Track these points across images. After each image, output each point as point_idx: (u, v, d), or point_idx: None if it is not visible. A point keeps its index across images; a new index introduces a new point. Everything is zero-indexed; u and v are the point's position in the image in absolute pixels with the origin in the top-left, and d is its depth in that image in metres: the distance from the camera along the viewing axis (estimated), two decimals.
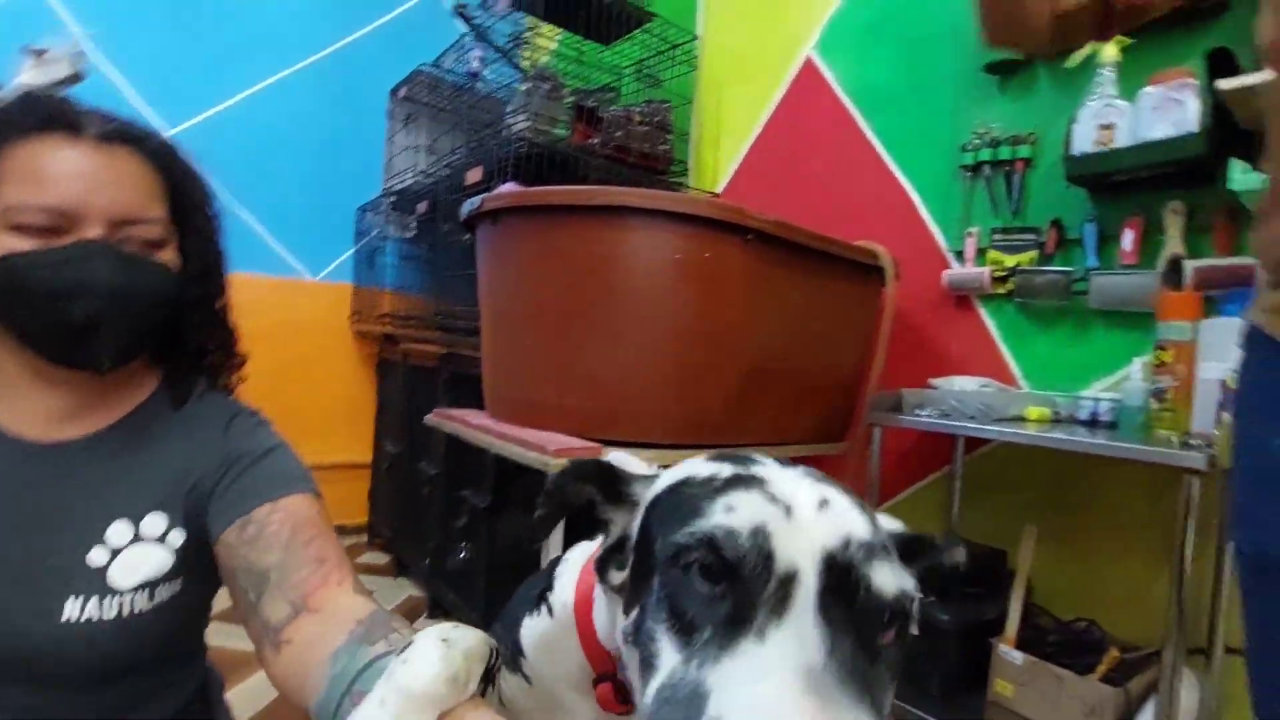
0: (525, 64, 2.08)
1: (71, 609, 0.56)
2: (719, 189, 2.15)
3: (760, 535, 0.30)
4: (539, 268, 1.12)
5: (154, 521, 0.61)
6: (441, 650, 0.41)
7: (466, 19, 1.96)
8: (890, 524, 0.38)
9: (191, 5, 2.41)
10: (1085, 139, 1.30)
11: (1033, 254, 1.47)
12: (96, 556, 0.58)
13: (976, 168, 1.56)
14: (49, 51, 0.61)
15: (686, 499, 0.34)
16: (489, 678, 0.45)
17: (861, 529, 0.32)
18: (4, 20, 2.03)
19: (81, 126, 0.57)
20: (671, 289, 1.08)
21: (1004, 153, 1.52)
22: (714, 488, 0.34)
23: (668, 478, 0.39)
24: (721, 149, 2.15)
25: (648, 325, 1.08)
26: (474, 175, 1.76)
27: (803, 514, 0.32)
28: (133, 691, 0.61)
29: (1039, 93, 1.49)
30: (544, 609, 0.48)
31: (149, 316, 0.61)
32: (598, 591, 0.44)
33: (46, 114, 0.57)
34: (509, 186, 1.19)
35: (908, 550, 0.36)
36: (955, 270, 1.58)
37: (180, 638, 0.65)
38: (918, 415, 1.25)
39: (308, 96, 2.64)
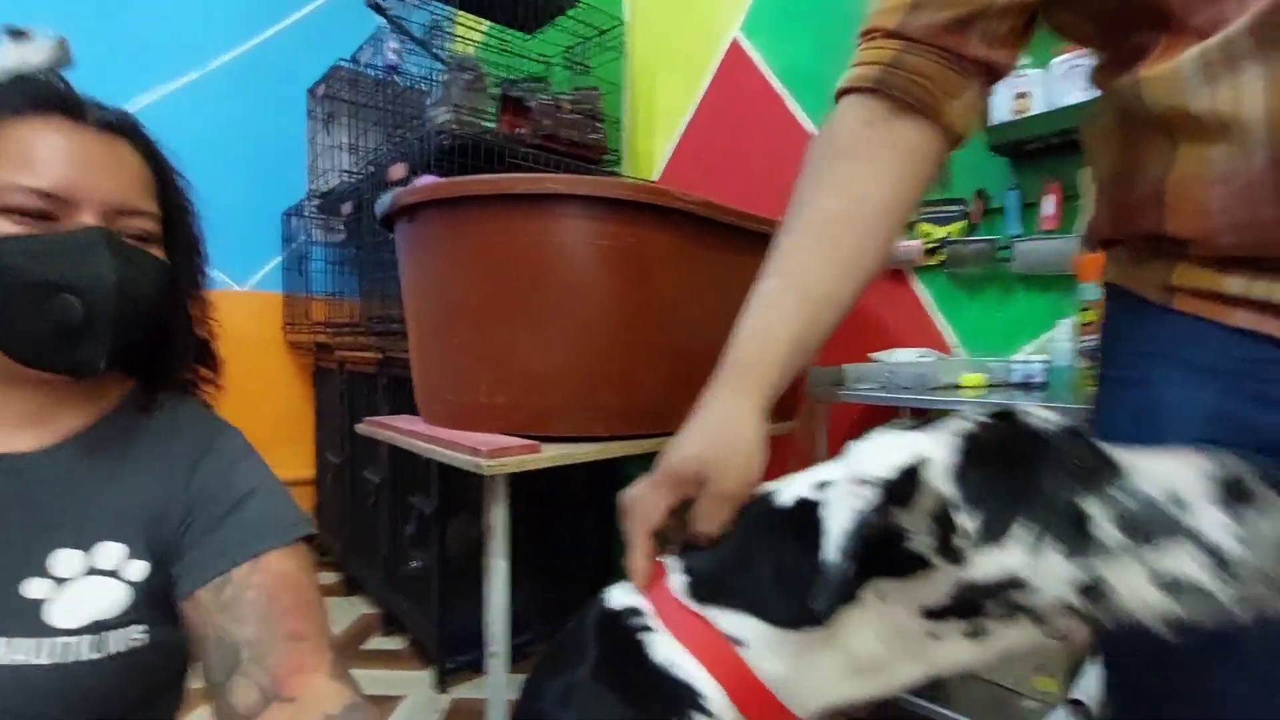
0: (446, 55, 2.01)
1: (1, 650, 0.48)
2: (655, 176, 2.13)
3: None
4: (461, 263, 1.08)
5: (109, 550, 0.54)
6: None
7: (381, 10, 1.88)
8: None
9: (91, 3, 2.26)
10: (1003, 108, 1.33)
11: (960, 224, 1.49)
12: (33, 589, 0.50)
13: None
14: (30, 32, 0.56)
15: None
16: None
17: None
18: None
19: (83, 112, 0.54)
20: (600, 277, 1.05)
21: None
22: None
23: None
24: (656, 135, 2.12)
25: (578, 315, 1.05)
26: (397, 171, 1.69)
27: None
28: None
29: None
30: (693, 713, 0.39)
31: (146, 317, 0.55)
32: (770, 658, 0.40)
33: (44, 95, 0.53)
34: (426, 179, 1.14)
35: None
36: None
37: (147, 711, 0.56)
38: (858, 389, 1.26)
39: (223, 98, 2.51)
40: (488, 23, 2.12)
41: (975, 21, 0.51)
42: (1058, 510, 0.37)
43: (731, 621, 0.41)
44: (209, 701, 0.54)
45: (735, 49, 1.92)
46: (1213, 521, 0.35)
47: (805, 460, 1.31)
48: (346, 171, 2.24)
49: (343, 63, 2.30)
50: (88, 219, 0.52)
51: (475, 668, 1.80)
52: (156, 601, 0.55)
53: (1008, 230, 1.41)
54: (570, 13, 2.05)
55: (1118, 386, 0.53)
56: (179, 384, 0.64)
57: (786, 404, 1.49)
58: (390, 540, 2.02)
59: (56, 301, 0.50)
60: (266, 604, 0.54)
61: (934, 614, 0.39)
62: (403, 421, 1.24)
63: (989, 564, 0.37)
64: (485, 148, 1.67)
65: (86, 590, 0.52)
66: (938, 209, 1.52)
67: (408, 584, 1.93)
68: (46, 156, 0.51)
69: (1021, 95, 1.30)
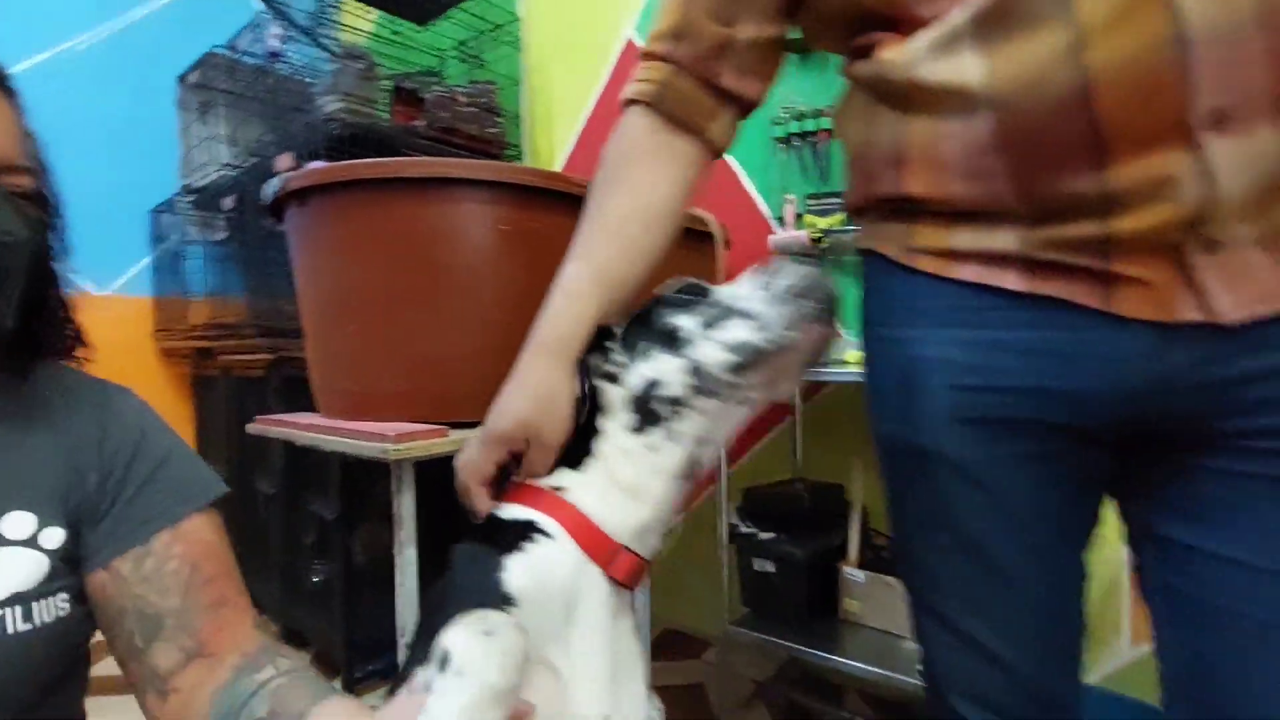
0: (332, 44, 1.94)
1: None
2: (557, 169, 2.15)
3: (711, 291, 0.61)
4: (357, 249, 1.05)
5: (16, 520, 0.51)
6: (490, 642, 0.40)
7: None
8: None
9: None
10: None
11: (840, 216, 1.62)
12: None
13: (788, 140, 1.69)
14: None
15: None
16: None
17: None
18: None
19: None
20: (502, 262, 1.06)
21: (809, 125, 1.66)
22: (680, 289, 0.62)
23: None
24: (555, 130, 2.14)
25: (481, 300, 1.06)
26: (284, 162, 1.62)
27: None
28: None
29: (832, 69, 1.63)
30: (537, 539, 0.54)
31: (34, 275, 0.52)
32: (593, 495, 0.56)
33: None
34: (312, 166, 1.10)
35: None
36: (779, 234, 1.70)
37: (61, 692, 0.55)
38: None
39: (81, 83, 2.28)
40: (377, 12, 2.06)
41: (725, 54, 0.62)
42: (659, 330, 0.58)
43: (551, 479, 0.58)
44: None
45: (631, 48, 1.97)
46: (752, 298, 0.55)
47: None
48: (226, 164, 2.10)
49: (218, 49, 2.16)
50: None
51: (385, 675, 1.75)
52: (75, 570, 0.54)
53: None
54: (464, 6, 2.04)
55: (881, 344, 0.61)
56: (54, 351, 0.60)
57: None
58: (287, 553, 1.91)
59: None
60: (189, 574, 0.55)
61: (638, 429, 0.57)
62: (299, 418, 1.19)
63: (634, 377, 0.58)
64: (378, 139, 1.63)
65: (4, 561, 0.50)
66: (821, 202, 1.64)
67: (310, 598, 1.84)
68: None
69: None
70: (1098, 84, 0.44)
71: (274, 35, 1.86)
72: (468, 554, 0.55)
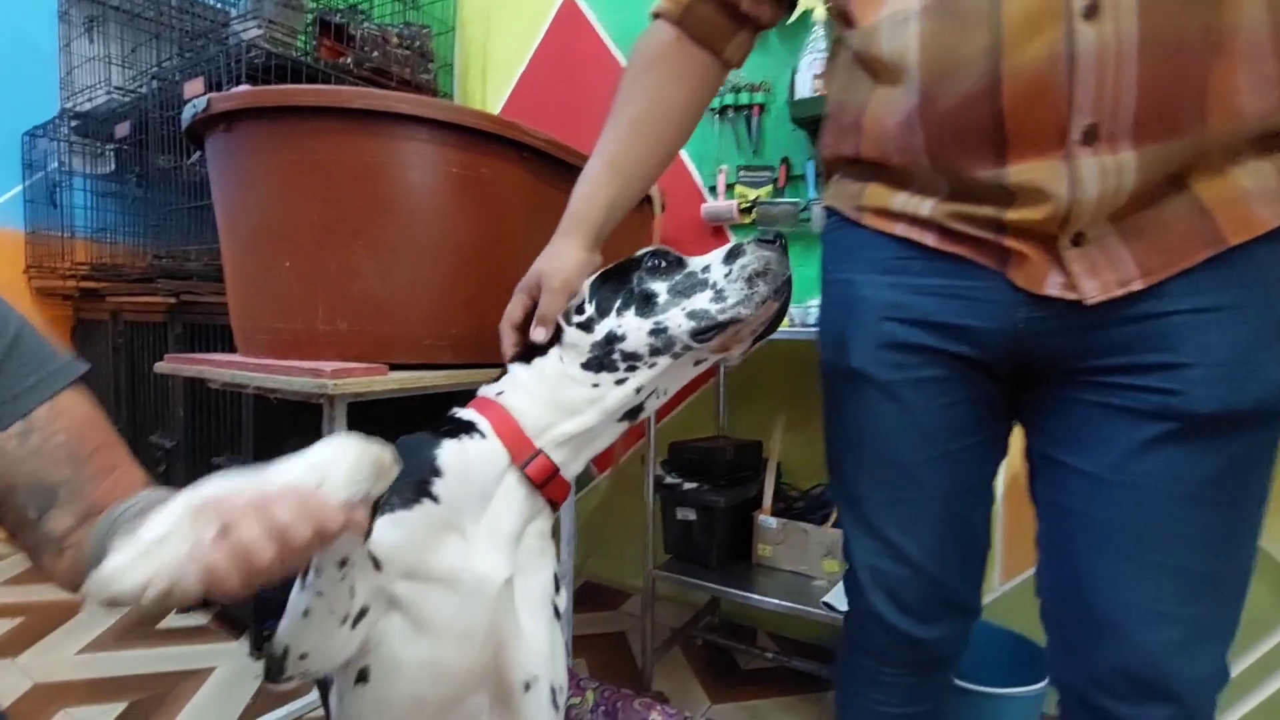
0: None
1: None
2: None
3: (672, 250, 0.68)
4: (293, 180, 1.01)
5: None
6: (359, 439, 0.47)
7: None
8: None
9: None
10: (805, 86, 1.53)
11: (769, 188, 1.70)
12: None
13: (723, 111, 1.74)
14: None
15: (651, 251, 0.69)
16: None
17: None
18: None
19: None
20: (450, 205, 1.05)
21: (744, 98, 1.72)
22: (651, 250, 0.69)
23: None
24: (488, 83, 2.09)
25: (427, 242, 1.04)
26: (193, 88, 1.50)
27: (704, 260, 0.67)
28: None
29: (770, 46, 1.70)
30: (473, 435, 0.64)
31: None
32: (520, 399, 0.67)
33: None
34: (242, 89, 1.04)
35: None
36: (710, 203, 1.76)
37: None
38: None
39: None
40: None
41: None
42: (635, 292, 0.66)
43: (495, 386, 0.70)
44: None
45: (568, 4, 1.95)
46: (718, 271, 0.63)
47: None
48: (118, 89, 1.91)
49: None
50: None
51: None
52: None
53: (808, 194, 1.63)
54: None
55: (831, 285, 0.73)
56: None
57: None
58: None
59: None
60: (76, 443, 0.58)
61: (586, 366, 0.65)
62: (218, 357, 1.13)
63: (601, 329, 0.65)
64: (305, 73, 1.54)
65: None
66: (752, 173, 1.71)
67: None
68: None
69: (820, 75, 1.51)
70: (1004, 86, 0.52)
71: None
72: (418, 438, 0.64)
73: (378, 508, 0.58)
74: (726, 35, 0.73)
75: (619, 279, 0.68)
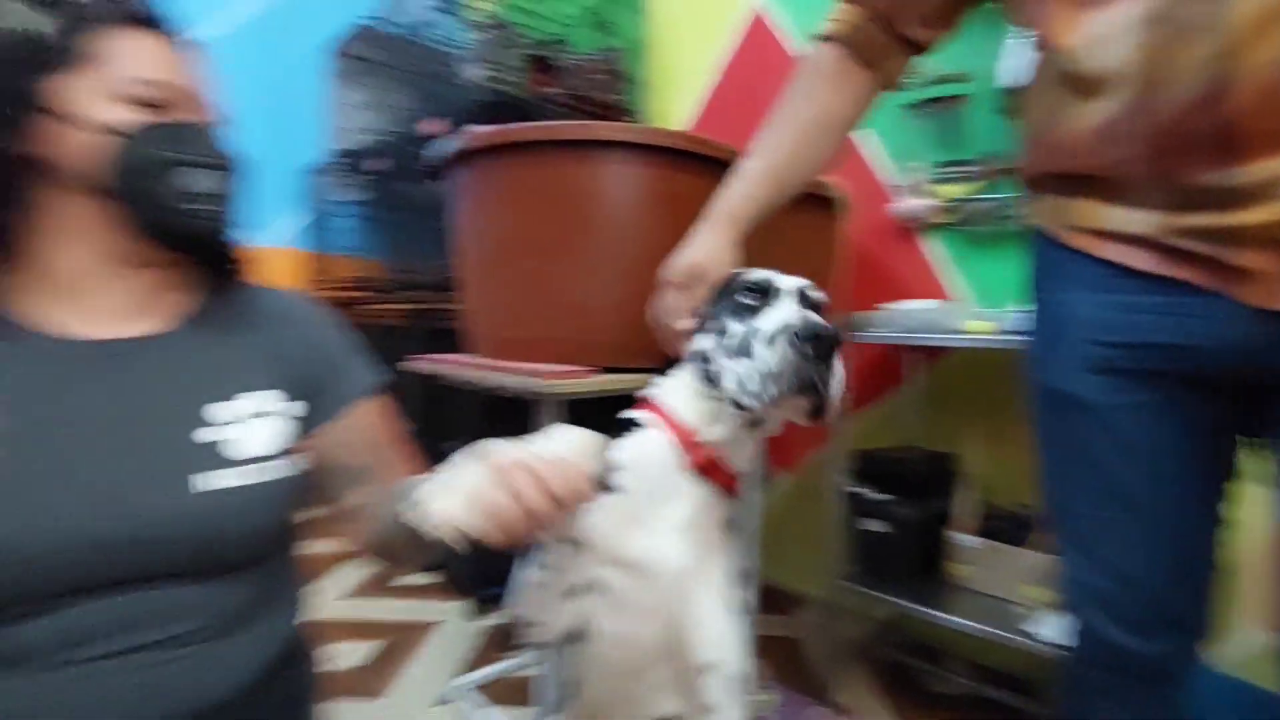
0: (472, 13, 2.06)
1: (199, 483, 0.59)
2: None
3: (768, 281, 0.68)
4: (516, 204, 1.16)
5: (253, 398, 0.64)
6: (580, 429, 0.56)
7: None
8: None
9: None
10: (1012, 73, 1.41)
11: (972, 185, 1.58)
12: (203, 435, 0.61)
13: (918, 106, 1.66)
14: None
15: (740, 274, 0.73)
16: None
17: (805, 282, 0.68)
18: None
19: (166, 26, 0.63)
20: (645, 218, 1.14)
21: (942, 90, 1.62)
22: (743, 272, 0.71)
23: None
24: (677, 97, 2.19)
25: (625, 254, 1.14)
26: (432, 127, 1.76)
27: (782, 280, 0.68)
28: (261, 583, 0.64)
29: (970, 32, 1.58)
30: (644, 432, 0.69)
31: (234, 198, 0.65)
32: (678, 398, 0.71)
33: (136, 12, 0.62)
34: (480, 128, 1.21)
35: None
36: (902, 202, 1.68)
37: (287, 537, 0.70)
38: (872, 332, 1.36)
39: (246, 55, 2.52)
40: None
41: (913, 5, 0.75)
42: (715, 323, 0.69)
43: (654, 388, 0.75)
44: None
45: (758, 20, 1.97)
46: (760, 348, 0.62)
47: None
48: (372, 130, 2.29)
49: (367, 21, 2.34)
50: (189, 113, 0.62)
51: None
52: (300, 434, 0.68)
53: (1013, 190, 1.50)
54: None
55: (1039, 304, 0.71)
56: (239, 269, 0.72)
57: None
58: None
59: (198, 175, 0.60)
60: (377, 437, 0.72)
61: (702, 378, 0.69)
62: (453, 358, 1.33)
63: (697, 343, 0.71)
64: (516, 106, 1.74)
65: (250, 430, 0.63)
66: (951, 169, 1.61)
67: None
68: (152, 59, 0.61)
69: (1012, 91, 1.38)
70: (1236, 88, 0.51)
71: (419, 6, 1.99)
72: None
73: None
74: (886, 55, 0.77)
75: (721, 293, 0.72)
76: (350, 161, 2.48)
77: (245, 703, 0.63)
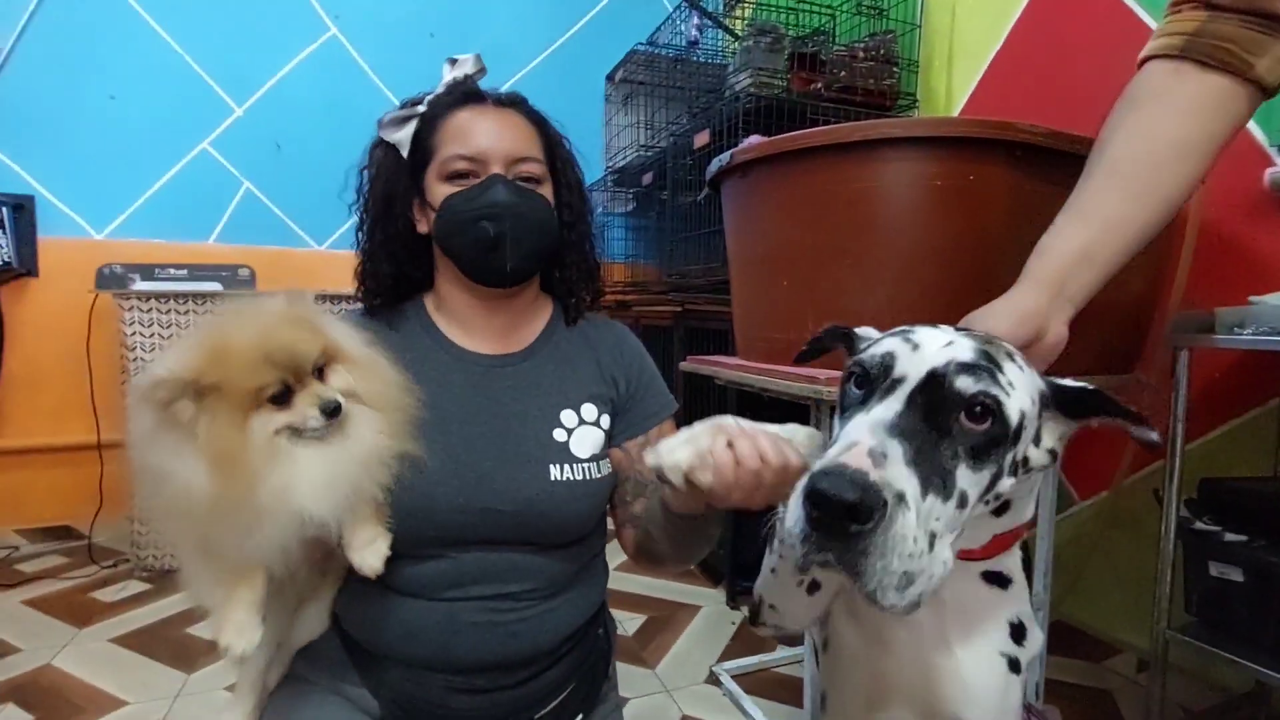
0: (737, 24, 2.12)
1: (555, 473, 0.74)
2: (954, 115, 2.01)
3: (888, 358, 0.45)
4: (791, 211, 1.17)
5: (589, 409, 0.79)
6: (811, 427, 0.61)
7: None
8: (1056, 381, 0.49)
9: (436, 22, 2.79)
10: None
11: None
12: (559, 435, 0.76)
13: None
14: (459, 59, 0.81)
15: (862, 343, 0.53)
16: None
17: (965, 356, 0.43)
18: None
19: (484, 98, 0.79)
20: (928, 216, 1.07)
21: None
22: (880, 339, 0.49)
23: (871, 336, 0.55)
24: (954, 73, 2.00)
25: (907, 256, 1.08)
26: (702, 139, 1.86)
27: (928, 349, 0.44)
28: (580, 559, 0.79)
29: None
30: None
31: (537, 236, 0.77)
32: None
33: (463, 93, 0.78)
34: (753, 139, 1.25)
35: (1072, 401, 0.47)
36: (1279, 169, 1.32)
37: (602, 524, 0.83)
38: (1236, 335, 1.09)
39: (534, 93, 2.93)
40: None
41: None
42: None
43: None
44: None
45: None
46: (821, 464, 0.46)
47: (1162, 411, 1.23)
48: (644, 146, 2.49)
49: (639, 46, 2.55)
50: (494, 169, 0.74)
51: None
52: (608, 445, 0.80)
53: None
54: None
55: None
56: (583, 300, 0.86)
57: (1127, 352, 1.35)
58: None
59: (479, 227, 0.73)
60: None
61: None
62: (726, 359, 1.39)
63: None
64: (783, 108, 1.75)
65: (585, 435, 0.77)
66: None
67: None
68: (468, 132, 0.75)
69: None
70: None
71: (693, 25, 2.11)
72: None
73: None
74: (1254, 51, 0.58)
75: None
76: (621, 177, 2.73)
77: (564, 653, 0.77)
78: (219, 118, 2.53)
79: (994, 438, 0.42)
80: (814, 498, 0.37)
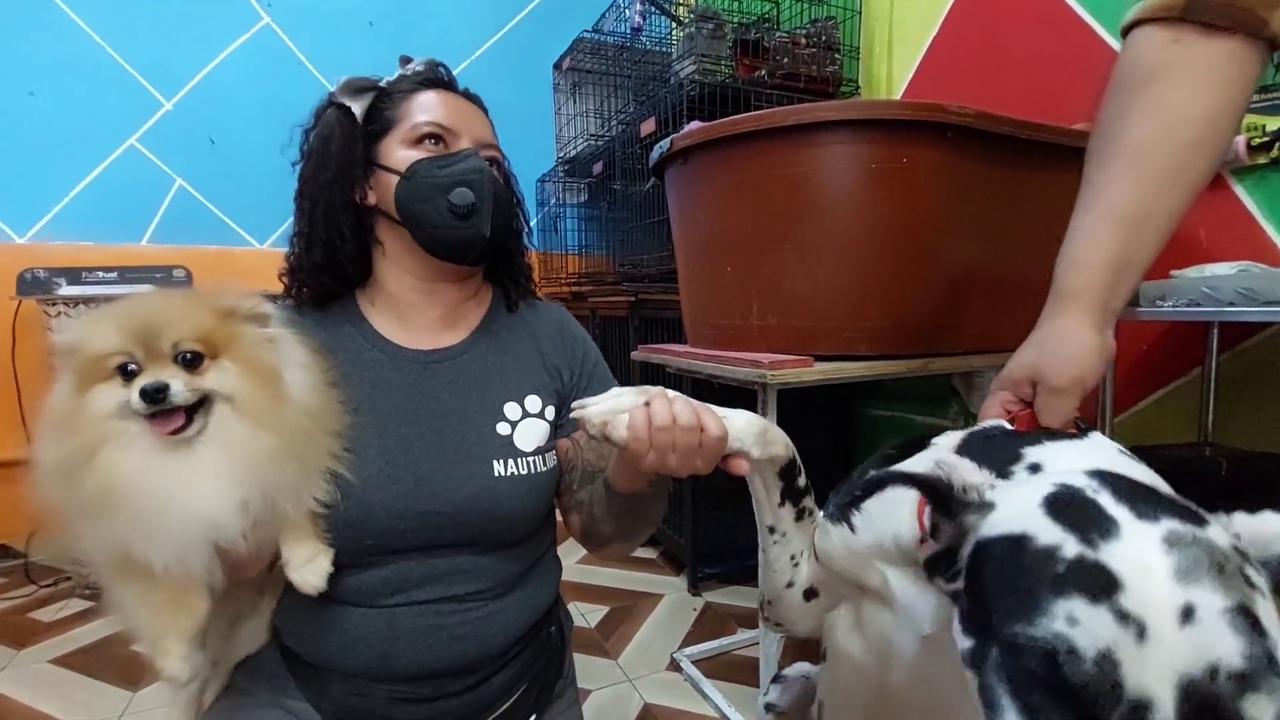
0: (681, 10, 2.11)
1: (499, 468, 0.72)
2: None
3: (1107, 663, 0.28)
4: (732, 196, 1.18)
5: (533, 401, 0.77)
6: (757, 415, 0.60)
7: None
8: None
9: (376, 10, 2.70)
10: None
11: None
12: (502, 429, 0.74)
13: None
14: (411, 58, 0.80)
15: (1023, 573, 0.32)
16: (792, 485, 0.62)
17: (1234, 651, 0.27)
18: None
19: (454, 85, 0.78)
20: (867, 199, 1.08)
21: None
22: (1055, 574, 0.31)
23: (1002, 520, 0.36)
24: (895, 58, 2.02)
25: (846, 239, 1.10)
26: (648, 127, 1.85)
27: (1160, 633, 0.28)
28: (529, 556, 0.77)
29: None
30: (902, 487, 0.47)
31: (506, 213, 0.77)
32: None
33: (432, 76, 0.77)
34: (693, 125, 1.25)
35: None
36: None
37: (550, 519, 0.81)
38: (1160, 307, 1.14)
39: (479, 84, 2.88)
40: None
41: None
42: None
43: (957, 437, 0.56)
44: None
45: None
46: None
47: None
48: (594, 135, 2.47)
49: (585, 34, 2.52)
50: (465, 144, 0.74)
51: (722, 579, 1.99)
52: (554, 435, 0.78)
53: None
54: None
55: None
56: (521, 287, 0.85)
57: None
58: None
59: (457, 192, 0.71)
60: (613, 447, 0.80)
61: None
62: (676, 347, 1.39)
63: None
64: (728, 94, 1.75)
65: (529, 427, 0.75)
66: (1270, 95, 1.28)
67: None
68: (439, 107, 0.74)
69: None
70: None
71: (637, 11, 2.09)
72: (880, 457, 0.62)
73: (800, 491, 0.64)
74: (1270, 2, 0.52)
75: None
76: (573, 167, 2.70)
77: (513, 655, 0.75)
78: (147, 112, 2.41)
79: None
80: None
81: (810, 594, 0.64)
